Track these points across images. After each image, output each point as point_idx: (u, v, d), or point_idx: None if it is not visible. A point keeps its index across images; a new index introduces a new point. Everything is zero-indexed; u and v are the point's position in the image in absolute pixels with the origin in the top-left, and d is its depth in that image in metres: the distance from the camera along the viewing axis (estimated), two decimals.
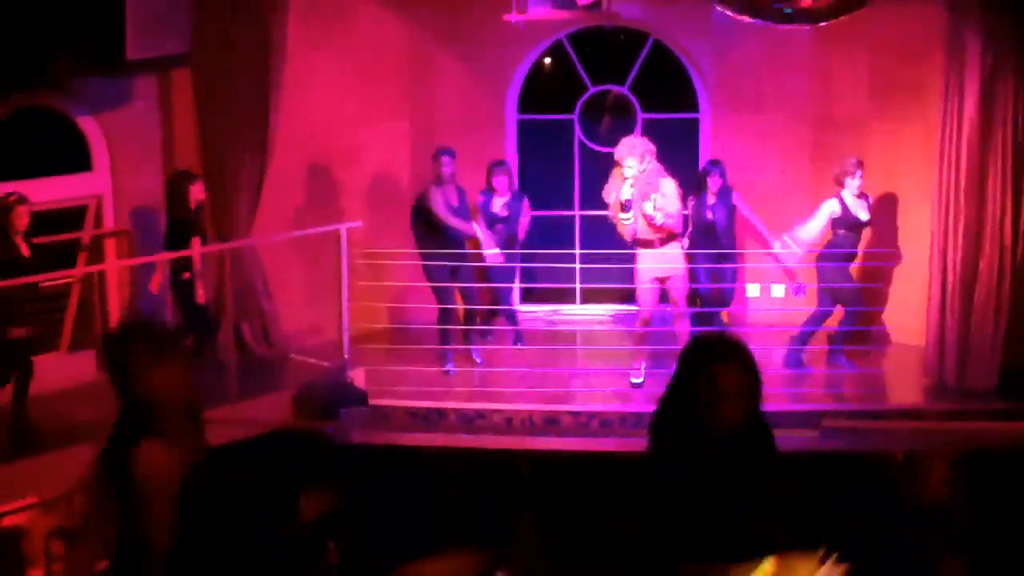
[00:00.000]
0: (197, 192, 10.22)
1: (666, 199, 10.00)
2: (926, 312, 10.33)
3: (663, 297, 10.50)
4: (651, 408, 10.07)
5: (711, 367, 4.25)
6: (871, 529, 7.57)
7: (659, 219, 9.96)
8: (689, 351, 4.40)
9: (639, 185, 9.99)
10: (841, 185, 10.51)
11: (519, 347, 11.47)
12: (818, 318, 10.68)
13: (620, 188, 10.03)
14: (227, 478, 4.76)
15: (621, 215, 10.08)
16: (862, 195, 10.59)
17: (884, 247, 11.16)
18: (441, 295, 10.85)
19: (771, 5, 6.34)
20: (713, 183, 11.17)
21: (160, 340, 4.36)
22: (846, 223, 10.54)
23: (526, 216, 11.50)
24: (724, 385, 4.21)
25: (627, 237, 10.22)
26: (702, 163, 11.83)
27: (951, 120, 10.00)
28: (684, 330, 10.32)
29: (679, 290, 10.35)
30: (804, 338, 10.71)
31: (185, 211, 10.16)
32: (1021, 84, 9.83)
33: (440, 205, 10.60)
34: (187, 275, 10.04)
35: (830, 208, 10.52)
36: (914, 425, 9.63)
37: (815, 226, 10.56)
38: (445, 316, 10.91)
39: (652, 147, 10.15)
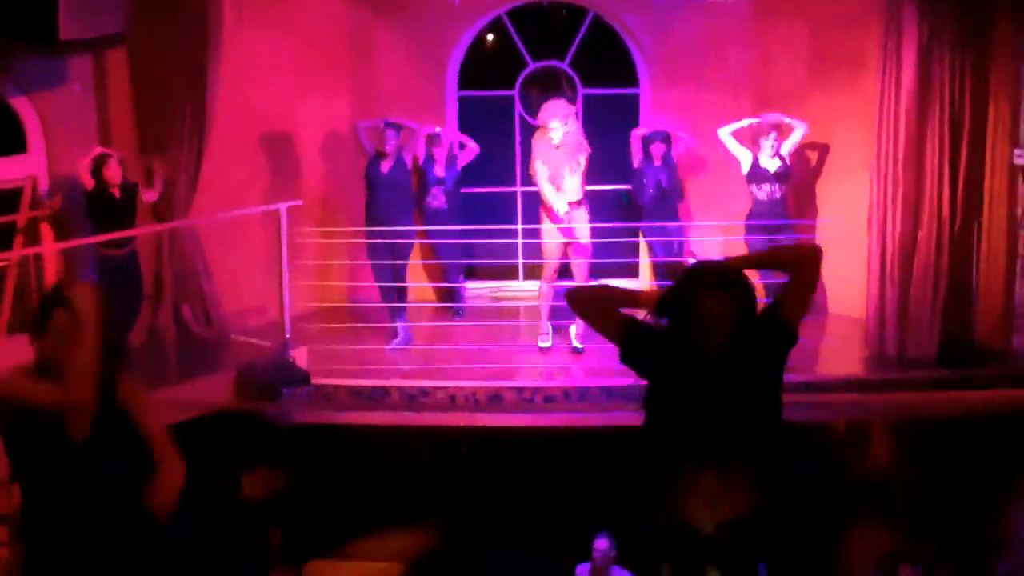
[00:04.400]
0: (110, 171, 10.04)
1: (580, 168, 10.05)
2: (866, 283, 10.42)
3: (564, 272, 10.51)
4: (594, 383, 10.13)
5: (696, 292, 4.36)
6: (814, 499, 7.63)
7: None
8: (680, 278, 4.50)
9: (566, 148, 10.01)
10: (757, 146, 10.90)
11: (458, 320, 11.67)
12: None
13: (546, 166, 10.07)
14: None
15: (553, 195, 10.09)
16: (777, 155, 10.89)
17: (816, 218, 11.28)
18: (376, 272, 11.01)
19: None
20: (656, 150, 11.28)
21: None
22: (756, 176, 10.83)
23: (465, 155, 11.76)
24: (705, 309, 4.32)
25: (559, 210, 10.18)
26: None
27: (889, 92, 10.06)
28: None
29: (583, 264, 10.31)
30: None
31: (99, 190, 10.01)
32: (957, 57, 9.89)
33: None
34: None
35: (746, 154, 10.93)
36: (855, 395, 9.71)
37: (733, 143, 11.04)
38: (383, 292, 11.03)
39: (574, 109, 10.22)
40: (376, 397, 9.80)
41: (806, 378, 9.74)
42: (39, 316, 4.63)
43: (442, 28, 12.15)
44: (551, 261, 10.39)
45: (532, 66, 12.54)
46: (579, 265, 10.32)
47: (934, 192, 10.05)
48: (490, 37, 12.74)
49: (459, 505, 9.49)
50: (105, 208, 9.99)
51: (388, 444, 9.57)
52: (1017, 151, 9.97)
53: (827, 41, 11.38)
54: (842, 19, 11.15)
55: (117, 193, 10.00)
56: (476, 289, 12.43)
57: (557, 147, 10.04)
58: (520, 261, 12.06)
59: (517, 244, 11.33)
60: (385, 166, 11.05)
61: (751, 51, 11.93)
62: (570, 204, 10.11)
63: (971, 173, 10.05)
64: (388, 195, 11.02)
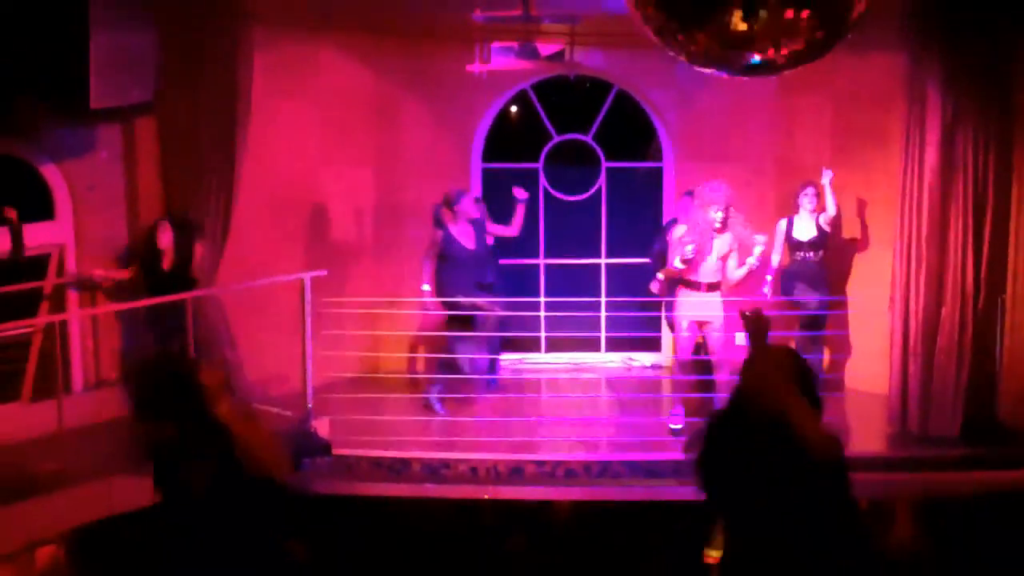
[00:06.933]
0: (162, 238, 10.19)
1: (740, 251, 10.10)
2: (888, 359, 10.37)
3: (697, 349, 10.42)
4: (616, 457, 10.08)
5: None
6: None
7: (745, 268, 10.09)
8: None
9: (724, 235, 10.04)
10: (795, 208, 10.96)
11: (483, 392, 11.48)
12: None
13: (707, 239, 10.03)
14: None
15: (679, 262, 10.01)
16: (815, 212, 10.93)
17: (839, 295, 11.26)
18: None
19: (730, 57, 6.34)
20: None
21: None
22: (790, 243, 10.88)
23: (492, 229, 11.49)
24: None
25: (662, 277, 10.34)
26: (665, 211, 11.94)
27: (913, 169, 10.07)
28: (724, 379, 10.18)
29: (718, 339, 10.20)
30: None
31: (152, 259, 10.15)
32: (981, 132, 9.91)
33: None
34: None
35: (780, 227, 11.01)
36: (878, 474, 9.64)
37: (775, 245, 10.98)
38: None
39: (733, 195, 10.15)
40: (398, 468, 9.78)
41: None
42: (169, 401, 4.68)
43: (468, 100, 12.23)
44: (686, 335, 10.28)
45: (556, 139, 12.61)
46: (712, 340, 10.23)
47: (958, 268, 10.04)
48: (514, 109, 12.82)
49: None
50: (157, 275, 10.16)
51: (409, 516, 9.54)
52: None
53: (851, 117, 11.41)
54: (866, 96, 11.19)
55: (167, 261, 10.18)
56: (503, 362, 12.35)
57: (717, 230, 10.03)
58: (543, 334, 12.06)
59: (540, 317, 11.31)
60: (469, 242, 10.82)
61: (775, 126, 11.98)
62: (708, 285, 10.13)
63: (995, 249, 10.05)
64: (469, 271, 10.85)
